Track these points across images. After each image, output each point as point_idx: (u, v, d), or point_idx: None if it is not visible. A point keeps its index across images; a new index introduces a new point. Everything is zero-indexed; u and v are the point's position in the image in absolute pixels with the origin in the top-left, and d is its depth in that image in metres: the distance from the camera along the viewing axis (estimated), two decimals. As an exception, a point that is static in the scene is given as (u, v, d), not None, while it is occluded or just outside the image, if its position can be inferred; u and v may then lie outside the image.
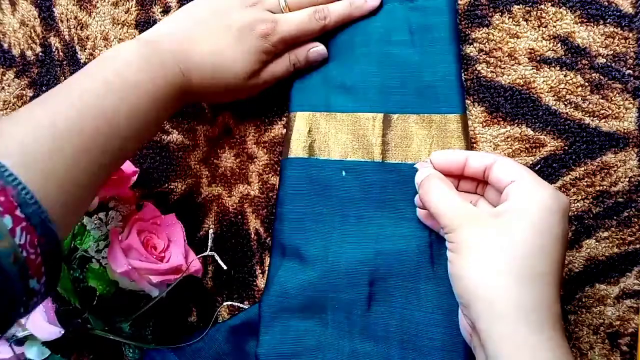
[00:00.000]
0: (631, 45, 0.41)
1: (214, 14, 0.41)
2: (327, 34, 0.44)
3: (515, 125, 0.43)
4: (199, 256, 0.46)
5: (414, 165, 0.40)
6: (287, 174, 0.45)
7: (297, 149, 0.45)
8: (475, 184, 0.39)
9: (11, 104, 0.53)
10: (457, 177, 0.39)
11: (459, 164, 0.38)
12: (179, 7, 0.48)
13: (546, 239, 0.33)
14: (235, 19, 0.41)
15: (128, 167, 0.46)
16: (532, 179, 0.34)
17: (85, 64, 0.51)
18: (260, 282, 0.47)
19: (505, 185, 0.35)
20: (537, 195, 0.33)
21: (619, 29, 0.41)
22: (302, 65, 0.44)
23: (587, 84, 0.42)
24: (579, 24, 0.41)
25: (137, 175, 0.47)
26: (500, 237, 0.33)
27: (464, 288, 0.34)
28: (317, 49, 0.44)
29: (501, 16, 0.43)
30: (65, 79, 0.52)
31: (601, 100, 0.41)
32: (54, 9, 0.51)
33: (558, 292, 0.33)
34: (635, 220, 0.41)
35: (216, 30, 0.41)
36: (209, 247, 0.47)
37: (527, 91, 0.43)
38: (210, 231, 0.47)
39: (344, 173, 0.44)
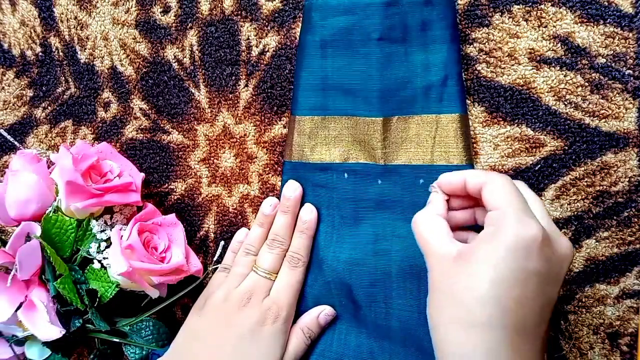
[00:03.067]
0: (631, 45, 0.41)
1: (218, 327, 0.41)
2: (325, 34, 0.44)
3: (515, 125, 0.43)
4: (211, 268, 0.47)
5: (429, 189, 0.38)
6: (290, 176, 0.45)
7: (298, 152, 0.45)
8: None
9: (11, 104, 0.53)
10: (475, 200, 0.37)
11: (459, 184, 0.36)
12: (179, 7, 0.48)
13: (506, 286, 0.30)
14: (241, 324, 0.41)
15: (136, 176, 0.46)
16: (513, 210, 0.32)
17: (85, 64, 0.51)
18: (261, 282, 0.47)
19: (489, 212, 0.33)
20: (507, 232, 0.31)
21: (619, 29, 0.41)
22: (315, 333, 0.44)
23: (587, 84, 0.42)
24: (579, 24, 0.41)
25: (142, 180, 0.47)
26: (457, 283, 0.32)
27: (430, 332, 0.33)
28: (326, 311, 0.44)
29: (501, 16, 0.43)
30: (65, 79, 0.52)
31: (601, 100, 0.41)
32: (54, 9, 0.51)
33: (529, 346, 0.31)
34: (635, 220, 0.41)
35: (232, 343, 0.40)
36: (216, 256, 0.47)
37: (527, 91, 0.43)
38: (222, 243, 0.47)
39: (345, 175, 0.44)
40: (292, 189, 0.44)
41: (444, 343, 0.32)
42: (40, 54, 0.52)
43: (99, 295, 0.43)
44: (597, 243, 0.42)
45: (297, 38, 0.46)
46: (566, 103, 0.42)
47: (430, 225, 0.35)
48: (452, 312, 0.32)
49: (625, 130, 0.41)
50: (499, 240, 0.31)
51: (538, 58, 0.42)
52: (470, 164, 0.42)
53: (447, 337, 0.32)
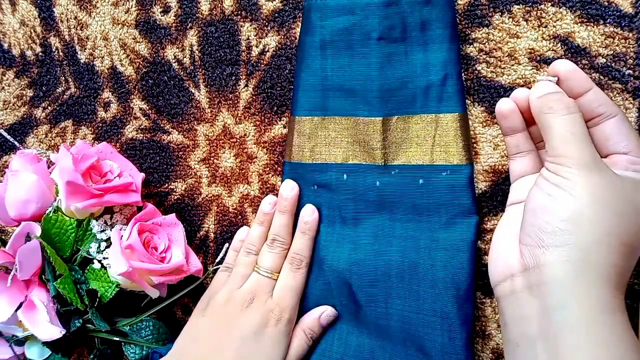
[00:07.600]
0: (631, 45, 0.41)
1: (219, 328, 0.41)
2: (324, 35, 0.44)
3: (515, 125, 0.43)
4: (212, 269, 0.47)
5: (537, 78, 0.36)
6: (289, 177, 0.45)
7: (298, 152, 0.45)
8: None
9: (11, 104, 0.53)
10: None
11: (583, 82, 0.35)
12: (179, 7, 0.48)
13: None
14: (244, 325, 0.41)
15: (136, 176, 0.46)
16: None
17: (85, 64, 0.51)
18: (261, 282, 0.47)
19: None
20: None
21: (619, 29, 0.41)
22: (317, 334, 0.44)
23: (587, 84, 0.42)
24: (579, 24, 0.41)
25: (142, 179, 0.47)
26: (604, 192, 0.31)
27: (559, 218, 0.31)
28: (327, 312, 0.44)
29: (501, 16, 0.43)
30: (65, 79, 0.52)
31: (601, 100, 0.41)
32: (54, 9, 0.51)
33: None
34: (635, 220, 0.41)
35: (235, 345, 0.40)
36: (219, 257, 0.47)
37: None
38: (226, 245, 0.47)
39: (345, 176, 0.44)
40: (289, 189, 0.44)
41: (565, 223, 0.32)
42: (40, 54, 0.52)
43: (99, 295, 0.43)
44: (597, 243, 0.42)
45: (297, 38, 0.46)
46: (566, 103, 0.42)
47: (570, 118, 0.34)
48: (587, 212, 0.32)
49: (625, 130, 0.41)
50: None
51: (538, 58, 0.42)
52: (470, 163, 0.42)
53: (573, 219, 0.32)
